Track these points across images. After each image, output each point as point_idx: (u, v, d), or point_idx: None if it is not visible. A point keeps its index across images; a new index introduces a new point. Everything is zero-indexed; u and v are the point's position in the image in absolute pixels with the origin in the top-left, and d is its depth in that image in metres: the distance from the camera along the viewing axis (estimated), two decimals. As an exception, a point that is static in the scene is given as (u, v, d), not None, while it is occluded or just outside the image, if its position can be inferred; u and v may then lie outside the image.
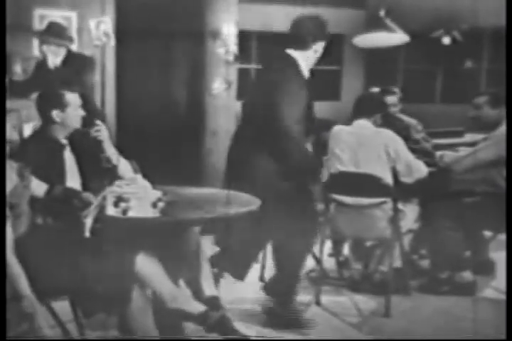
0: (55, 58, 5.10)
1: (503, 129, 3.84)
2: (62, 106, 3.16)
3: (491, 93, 4.10)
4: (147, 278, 2.71)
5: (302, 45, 3.57)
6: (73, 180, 3.15)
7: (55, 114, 3.16)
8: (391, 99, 4.59)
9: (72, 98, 3.19)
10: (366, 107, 3.94)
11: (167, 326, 2.88)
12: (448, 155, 4.06)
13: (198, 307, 2.79)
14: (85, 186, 3.14)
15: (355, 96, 4.10)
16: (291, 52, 3.59)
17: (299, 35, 3.59)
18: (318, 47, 3.62)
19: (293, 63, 3.57)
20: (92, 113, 3.39)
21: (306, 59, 3.60)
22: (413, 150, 3.98)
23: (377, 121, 3.91)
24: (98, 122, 3.29)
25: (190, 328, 2.92)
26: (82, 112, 3.22)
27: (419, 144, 4.45)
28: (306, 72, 3.63)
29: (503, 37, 4.11)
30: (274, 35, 8.53)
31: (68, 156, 3.22)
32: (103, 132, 3.29)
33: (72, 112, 3.17)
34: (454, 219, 3.95)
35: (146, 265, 2.72)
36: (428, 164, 4.01)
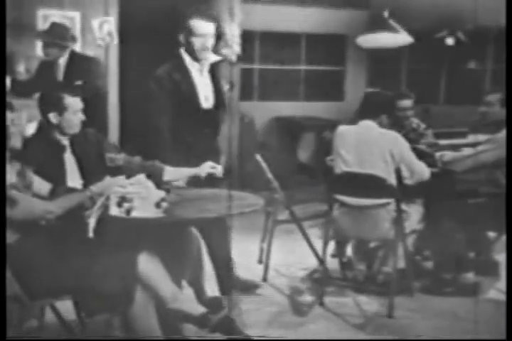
0: (58, 59, 5.10)
1: (505, 132, 3.83)
2: (60, 109, 3.14)
3: (504, 92, 4.09)
4: (149, 278, 2.71)
5: None
6: (74, 181, 3.15)
7: (53, 116, 3.15)
8: (406, 103, 4.54)
9: (72, 102, 3.17)
10: (372, 107, 3.91)
11: (169, 326, 2.87)
12: (447, 155, 4.04)
13: (198, 309, 2.78)
14: (87, 186, 3.13)
15: (361, 95, 4.06)
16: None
17: None
18: None
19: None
20: (95, 117, 3.38)
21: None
22: (415, 151, 3.97)
23: (382, 122, 3.88)
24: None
25: (192, 330, 2.90)
26: (81, 116, 3.20)
27: (422, 145, 4.44)
28: None
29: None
30: (277, 35, 8.53)
31: (69, 157, 3.21)
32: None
33: (69, 116, 3.15)
34: (457, 220, 3.94)
35: (147, 265, 2.71)
36: (430, 165, 4.00)
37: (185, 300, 2.77)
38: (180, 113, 3.64)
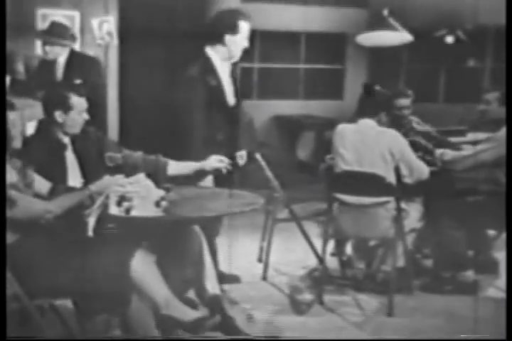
0: (58, 58, 5.11)
1: (505, 131, 3.84)
2: (65, 108, 3.15)
3: (502, 91, 4.10)
4: (141, 282, 2.69)
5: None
6: (75, 180, 3.15)
7: (58, 114, 3.15)
8: (404, 102, 4.55)
9: (78, 101, 3.18)
10: (371, 105, 3.92)
11: (167, 329, 2.86)
12: (448, 154, 4.05)
13: (191, 315, 2.74)
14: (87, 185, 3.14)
15: (359, 94, 4.07)
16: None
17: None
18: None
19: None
20: (95, 116, 3.38)
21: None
22: (415, 149, 3.97)
23: (381, 120, 3.89)
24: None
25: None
26: (86, 116, 3.22)
27: (421, 144, 4.44)
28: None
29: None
30: (277, 34, 8.53)
31: (70, 156, 3.22)
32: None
33: (75, 116, 3.17)
34: (457, 219, 3.94)
35: (141, 268, 2.69)
36: (429, 163, 4.01)
37: (177, 306, 2.72)
38: (211, 111, 3.67)
